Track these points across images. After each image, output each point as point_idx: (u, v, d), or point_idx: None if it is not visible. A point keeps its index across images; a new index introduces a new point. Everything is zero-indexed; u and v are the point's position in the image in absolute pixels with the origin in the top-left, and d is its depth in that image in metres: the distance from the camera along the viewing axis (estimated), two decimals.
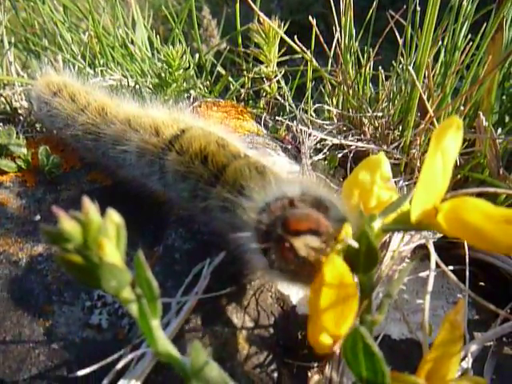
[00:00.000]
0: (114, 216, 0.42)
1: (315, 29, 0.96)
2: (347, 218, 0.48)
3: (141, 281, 0.43)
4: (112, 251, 0.41)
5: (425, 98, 0.80)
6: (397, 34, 0.97)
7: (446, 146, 0.46)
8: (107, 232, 0.41)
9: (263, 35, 0.99)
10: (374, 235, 0.47)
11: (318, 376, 0.58)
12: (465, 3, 0.83)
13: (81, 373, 0.52)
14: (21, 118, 0.98)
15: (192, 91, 1.09)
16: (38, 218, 0.75)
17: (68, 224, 0.39)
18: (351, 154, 0.86)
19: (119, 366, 0.53)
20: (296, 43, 0.93)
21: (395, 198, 0.54)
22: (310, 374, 0.59)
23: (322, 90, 1.06)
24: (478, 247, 0.47)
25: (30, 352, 0.58)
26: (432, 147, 0.46)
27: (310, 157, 0.84)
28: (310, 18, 0.96)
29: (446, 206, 0.46)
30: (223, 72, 1.21)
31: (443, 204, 0.46)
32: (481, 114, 0.71)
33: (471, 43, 0.83)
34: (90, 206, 0.40)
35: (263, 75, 1.05)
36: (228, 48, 1.26)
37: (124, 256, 0.43)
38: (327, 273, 0.45)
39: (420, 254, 0.65)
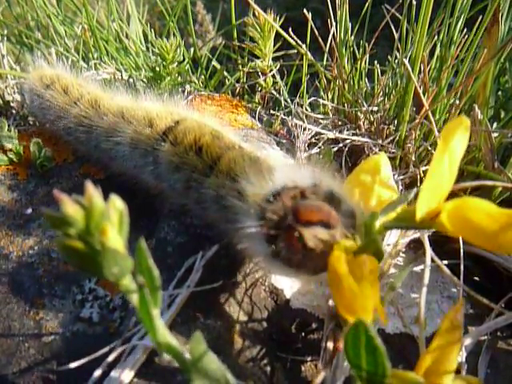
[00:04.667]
0: (117, 202, 0.41)
1: (311, 23, 0.96)
2: (358, 213, 0.49)
3: (142, 269, 0.42)
4: (115, 237, 0.40)
5: (420, 92, 0.79)
6: (392, 28, 0.97)
7: (454, 147, 0.47)
8: (110, 218, 0.40)
9: (258, 29, 0.98)
10: (378, 237, 0.48)
11: (323, 374, 0.57)
12: None
13: (71, 366, 0.52)
14: (13, 111, 0.98)
15: (187, 86, 1.08)
16: (29, 211, 0.74)
17: (71, 208, 0.38)
18: (346, 148, 0.86)
19: (110, 358, 0.52)
20: (291, 36, 0.92)
21: (395, 196, 0.55)
22: (303, 368, 0.58)
23: (318, 84, 1.06)
24: (482, 247, 0.48)
25: (20, 345, 0.58)
26: (440, 147, 0.46)
27: (305, 151, 0.84)
28: (306, 12, 0.95)
29: (449, 206, 0.47)
30: (218, 67, 1.20)
31: (446, 204, 0.47)
32: (476, 107, 0.71)
33: (467, 37, 0.82)
34: (94, 192, 0.39)
35: (258, 70, 1.04)
36: (223, 43, 1.25)
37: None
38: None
39: (418, 254, 0.65)
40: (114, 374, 0.52)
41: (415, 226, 0.52)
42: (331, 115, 0.98)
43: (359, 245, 0.47)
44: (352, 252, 0.47)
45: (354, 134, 0.88)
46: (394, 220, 0.51)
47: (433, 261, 0.63)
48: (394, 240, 0.68)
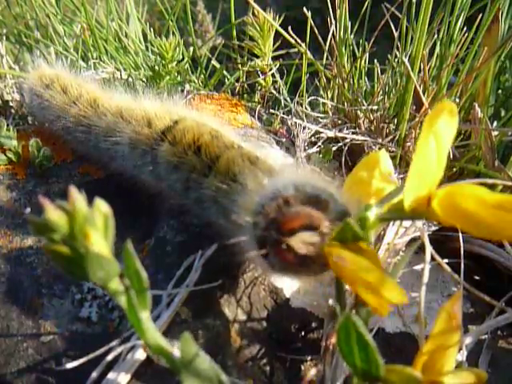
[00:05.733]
0: (102, 206, 0.41)
1: (310, 21, 0.95)
2: (348, 209, 0.48)
3: (129, 272, 0.42)
4: (99, 241, 0.40)
5: (420, 91, 0.79)
6: (392, 27, 0.96)
7: (439, 130, 0.45)
8: (94, 222, 0.40)
9: (258, 28, 0.98)
10: (364, 224, 0.46)
11: (314, 370, 0.57)
12: None
13: (70, 365, 0.52)
14: (12, 110, 0.97)
15: (186, 85, 1.08)
16: (28, 210, 0.74)
17: (54, 214, 0.38)
18: (346, 147, 0.85)
19: (108, 358, 0.52)
20: (291, 35, 0.92)
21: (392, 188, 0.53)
22: (303, 368, 0.58)
23: (317, 83, 1.06)
24: (473, 234, 0.46)
25: (18, 345, 0.57)
26: (424, 132, 0.44)
27: (305, 150, 0.83)
28: (306, 10, 0.95)
29: (441, 193, 0.45)
30: (218, 66, 1.20)
31: (438, 191, 0.45)
32: (476, 105, 0.71)
33: (467, 36, 0.82)
34: (77, 196, 0.39)
35: (258, 69, 1.04)
36: (223, 43, 1.25)
37: (113, 247, 0.42)
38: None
39: (415, 245, 0.64)
40: (112, 373, 0.51)
41: (407, 216, 0.49)
42: (331, 114, 0.98)
43: (334, 232, 0.45)
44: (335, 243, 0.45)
45: (353, 133, 0.88)
46: (386, 212, 0.49)
47: (433, 259, 0.63)
48: (392, 238, 0.67)
